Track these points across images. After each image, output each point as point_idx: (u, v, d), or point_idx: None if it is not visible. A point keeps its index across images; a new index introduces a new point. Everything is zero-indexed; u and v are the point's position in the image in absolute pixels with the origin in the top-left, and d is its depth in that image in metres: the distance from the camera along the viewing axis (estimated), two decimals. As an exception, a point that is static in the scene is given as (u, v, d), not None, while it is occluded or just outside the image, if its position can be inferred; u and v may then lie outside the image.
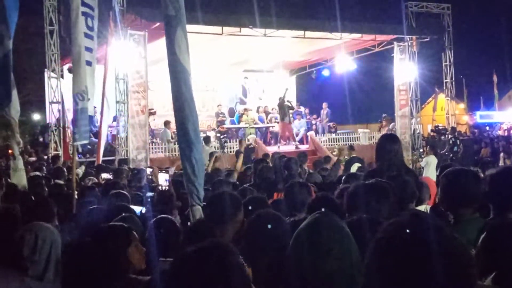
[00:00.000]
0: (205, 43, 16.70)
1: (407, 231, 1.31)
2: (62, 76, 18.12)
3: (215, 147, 17.25)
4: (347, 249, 1.87)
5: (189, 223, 4.75)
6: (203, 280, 1.55)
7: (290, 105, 20.78)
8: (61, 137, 16.94)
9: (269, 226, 2.58)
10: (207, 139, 15.68)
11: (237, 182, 8.48)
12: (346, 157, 11.05)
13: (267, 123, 22.84)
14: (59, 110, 17.75)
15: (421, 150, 20.62)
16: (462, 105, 33.45)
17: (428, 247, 1.26)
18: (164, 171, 7.83)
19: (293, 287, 1.94)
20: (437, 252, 1.25)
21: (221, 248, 1.66)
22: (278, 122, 22.51)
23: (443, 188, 3.47)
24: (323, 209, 2.27)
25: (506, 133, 26.18)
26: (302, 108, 24.73)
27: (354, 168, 8.86)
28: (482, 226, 3.14)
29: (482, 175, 7.06)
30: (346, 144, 20.36)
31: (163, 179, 7.18)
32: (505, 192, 3.37)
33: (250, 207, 3.78)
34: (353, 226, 2.06)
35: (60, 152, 16.77)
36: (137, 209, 5.30)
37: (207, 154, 12.10)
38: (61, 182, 9.30)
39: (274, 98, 24.58)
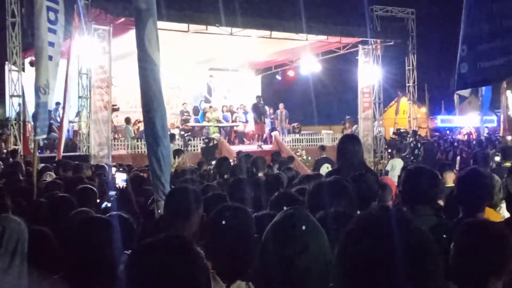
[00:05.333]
0: (171, 40, 16.59)
1: (378, 222, 1.32)
2: (23, 69, 17.74)
3: (179, 145, 17.17)
4: (322, 245, 1.88)
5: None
6: (160, 269, 1.54)
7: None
8: (21, 131, 16.56)
9: (233, 217, 2.58)
10: (172, 137, 15.56)
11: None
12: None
13: (232, 122, 22.82)
14: (19, 104, 17.36)
15: (383, 153, 20.99)
16: (423, 109, 34.03)
17: (398, 239, 1.27)
18: (121, 170, 7.67)
19: (266, 283, 1.93)
20: (407, 244, 1.27)
21: (177, 239, 1.66)
22: (242, 122, 22.57)
23: (402, 184, 3.59)
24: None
25: (465, 138, 26.73)
26: (266, 108, 24.73)
27: (324, 169, 8.94)
28: (436, 224, 3.25)
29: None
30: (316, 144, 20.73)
31: (120, 179, 7.00)
32: (473, 192, 3.48)
33: (211, 204, 3.76)
34: (321, 221, 2.06)
35: (20, 147, 16.40)
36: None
37: (172, 151, 12.01)
38: (19, 176, 9.09)
39: (239, 97, 24.67)
